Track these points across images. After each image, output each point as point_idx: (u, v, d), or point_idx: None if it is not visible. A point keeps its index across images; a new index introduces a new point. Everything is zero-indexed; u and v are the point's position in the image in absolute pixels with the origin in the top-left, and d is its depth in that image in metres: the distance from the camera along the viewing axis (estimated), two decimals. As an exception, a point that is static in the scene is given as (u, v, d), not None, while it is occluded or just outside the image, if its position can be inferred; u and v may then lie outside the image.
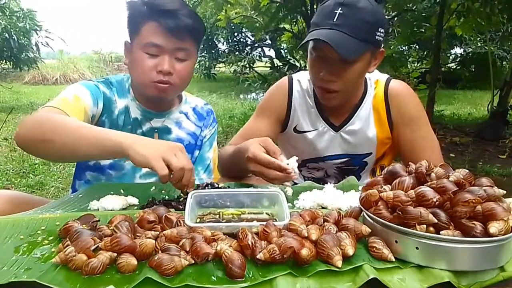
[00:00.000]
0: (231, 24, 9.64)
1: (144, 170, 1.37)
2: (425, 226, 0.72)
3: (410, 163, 0.88)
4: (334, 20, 1.20)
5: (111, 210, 1.01)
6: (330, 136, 1.45)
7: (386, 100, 1.41)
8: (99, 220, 0.85)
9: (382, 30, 1.26)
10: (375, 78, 1.45)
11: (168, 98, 1.36)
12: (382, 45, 1.32)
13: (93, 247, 0.72)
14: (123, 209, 1.03)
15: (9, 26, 7.15)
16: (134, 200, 1.07)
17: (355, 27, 1.20)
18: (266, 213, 0.96)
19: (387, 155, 1.52)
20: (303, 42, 1.28)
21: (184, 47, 1.27)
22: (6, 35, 7.09)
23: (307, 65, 1.35)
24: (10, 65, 8.50)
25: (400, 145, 1.43)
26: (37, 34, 8.06)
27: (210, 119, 1.53)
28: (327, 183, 1.14)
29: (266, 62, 13.90)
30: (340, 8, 1.21)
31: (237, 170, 1.29)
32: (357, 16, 1.21)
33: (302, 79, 1.49)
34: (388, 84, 1.42)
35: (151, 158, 0.95)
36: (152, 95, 1.30)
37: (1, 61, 8.54)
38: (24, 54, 7.76)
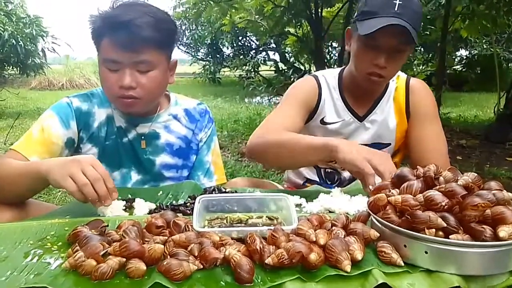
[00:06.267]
0: (236, 29, 9.66)
1: (133, 180, 1.37)
2: (434, 230, 0.72)
3: (418, 166, 0.88)
4: (395, 9, 1.26)
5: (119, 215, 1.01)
6: (354, 126, 1.51)
7: (407, 94, 1.49)
8: (107, 225, 0.86)
9: (421, 23, 1.35)
10: (396, 74, 1.51)
11: (137, 111, 1.30)
12: None
13: (102, 252, 0.73)
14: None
15: (15, 32, 7.19)
16: (142, 205, 1.07)
17: (411, 17, 1.27)
18: (267, 217, 0.95)
19: (400, 151, 1.56)
20: (378, 28, 1.24)
21: (143, 59, 1.20)
22: (13, 41, 7.12)
23: (353, 54, 1.38)
24: (17, 70, 8.54)
25: (410, 140, 1.48)
26: (44, 40, 8.09)
27: (205, 121, 1.46)
28: (342, 176, 1.13)
29: (270, 66, 13.91)
30: None
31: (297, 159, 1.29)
32: (412, 6, 1.29)
33: (327, 75, 1.54)
34: (409, 80, 1.52)
35: (60, 180, 0.97)
36: (121, 109, 1.30)
37: (8, 67, 8.59)
38: (30, 60, 7.79)
